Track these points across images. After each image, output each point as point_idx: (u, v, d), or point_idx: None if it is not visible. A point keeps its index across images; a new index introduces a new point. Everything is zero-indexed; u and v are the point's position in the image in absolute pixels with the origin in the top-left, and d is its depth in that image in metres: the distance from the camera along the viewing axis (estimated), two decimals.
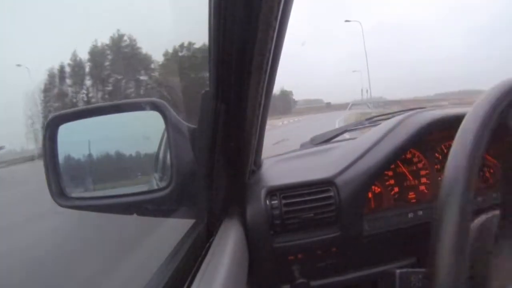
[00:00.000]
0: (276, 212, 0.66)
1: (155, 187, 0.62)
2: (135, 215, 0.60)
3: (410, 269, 0.57)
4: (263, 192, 0.67)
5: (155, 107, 0.56)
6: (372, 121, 1.02)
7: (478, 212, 0.50)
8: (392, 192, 0.76)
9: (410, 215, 0.72)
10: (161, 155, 0.64)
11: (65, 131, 0.57)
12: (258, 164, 0.79)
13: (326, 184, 0.69)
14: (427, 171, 0.78)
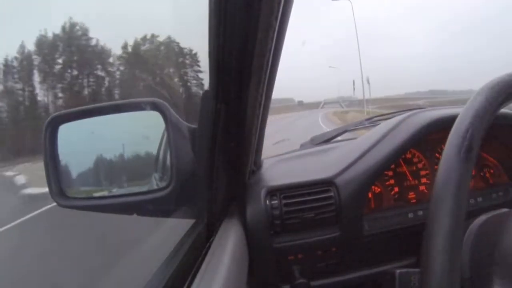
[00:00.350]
0: (276, 212, 0.66)
1: (155, 187, 0.62)
2: (135, 215, 0.60)
3: (410, 269, 0.57)
4: (263, 192, 0.67)
5: (155, 107, 0.56)
6: (372, 121, 1.02)
7: (478, 212, 0.50)
8: (392, 192, 0.76)
9: (410, 215, 0.72)
10: (161, 155, 0.64)
11: (65, 131, 0.57)
12: (258, 164, 0.79)
13: (326, 184, 0.69)
14: (427, 171, 0.78)
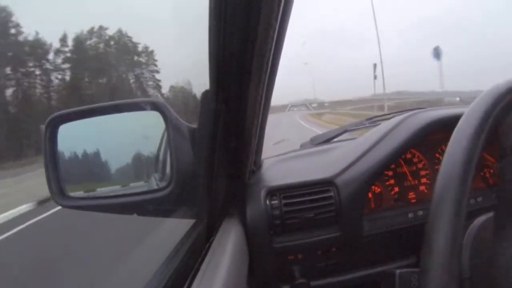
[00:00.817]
0: (276, 212, 0.66)
1: (155, 187, 0.62)
2: (135, 215, 0.60)
3: (410, 269, 0.57)
4: (263, 192, 0.67)
5: (155, 107, 0.56)
6: (372, 121, 1.02)
7: (478, 212, 0.50)
8: (392, 192, 0.76)
9: (410, 215, 0.72)
10: (161, 155, 0.64)
11: (65, 131, 0.57)
12: (258, 164, 0.79)
13: (326, 184, 0.69)
14: (427, 171, 0.78)
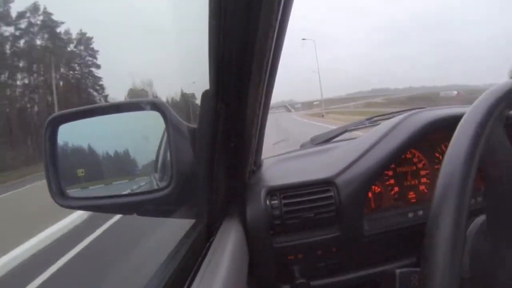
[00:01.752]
0: (276, 212, 0.66)
1: (155, 187, 0.62)
2: (135, 215, 0.60)
3: (410, 269, 0.57)
4: (263, 192, 0.67)
5: (155, 107, 0.56)
6: (372, 121, 1.02)
7: (478, 212, 0.50)
8: (392, 192, 0.76)
9: (410, 215, 0.72)
10: (161, 155, 0.64)
11: (65, 131, 0.57)
12: (258, 164, 0.79)
13: (326, 184, 0.69)
14: (427, 171, 0.78)
